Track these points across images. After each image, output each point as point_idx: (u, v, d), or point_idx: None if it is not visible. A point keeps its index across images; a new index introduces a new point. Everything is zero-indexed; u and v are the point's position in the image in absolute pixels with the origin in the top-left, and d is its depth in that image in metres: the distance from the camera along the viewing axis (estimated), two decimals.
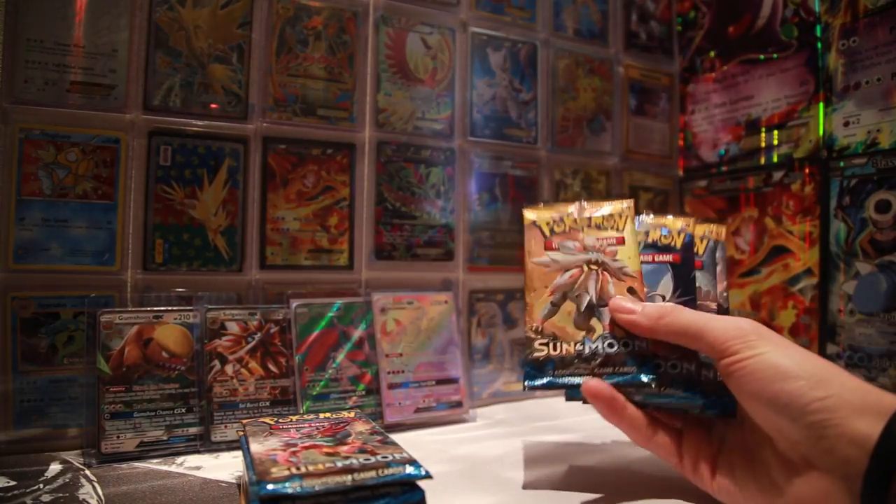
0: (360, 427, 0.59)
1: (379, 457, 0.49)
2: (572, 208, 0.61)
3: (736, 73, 1.02)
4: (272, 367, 0.75)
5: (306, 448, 0.51)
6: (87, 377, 0.68)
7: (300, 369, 0.76)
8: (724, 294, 0.63)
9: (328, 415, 0.64)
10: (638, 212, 0.61)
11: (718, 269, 0.62)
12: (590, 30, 1.07)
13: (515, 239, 0.99)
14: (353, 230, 0.87)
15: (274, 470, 0.46)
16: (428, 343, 0.85)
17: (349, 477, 0.45)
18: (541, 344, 0.56)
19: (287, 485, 0.43)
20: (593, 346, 0.55)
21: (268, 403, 0.74)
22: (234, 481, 0.60)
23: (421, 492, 0.47)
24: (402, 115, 0.91)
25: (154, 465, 0.65)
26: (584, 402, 0.55)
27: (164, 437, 0.68)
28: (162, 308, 0.72)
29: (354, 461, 0.47)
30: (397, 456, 0.49)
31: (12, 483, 0.58)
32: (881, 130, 0.80)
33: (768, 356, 0.45)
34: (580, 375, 0.54)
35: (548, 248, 0.60)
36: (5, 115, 0.69)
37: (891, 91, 0.80)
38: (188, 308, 0.73)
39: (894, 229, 0.78)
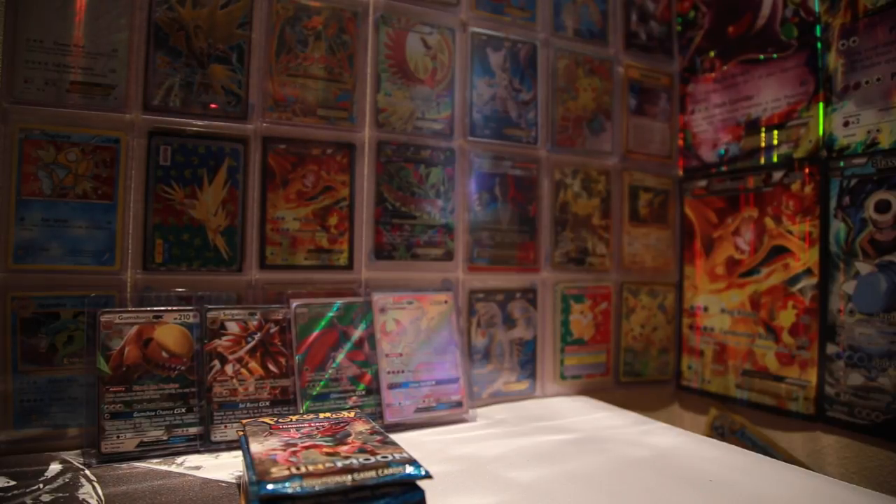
0: (360, 427, 0.59)
1: (379, 457, 0.49)
2: None
3: (736, 73, 1.02)
4: (272, 367, 0.75)
5: (306, 448, 0.51)
6: (87, 377, 0.68)
7: (300, 369, 0.76)
8: None
9: (328, 415, 0.64)
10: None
11: None
12: (590, 30, 1.07)
13: (515, 239, 0.99)
14: (353, 230, 0.87)
15: (274, 470, 0.46)
16: (428, 343, 0.85)
17: (349, 477, 0.45)
18: None
19: (287, 485, 0.43)
20: None
21: (268, 403, 0.74)
22: (234, 481, 0.60)
23: (421, 492, 0.47)
24: (402, 115, 0.91)
25: (154, 465, 0.65)
26: None
27: (164, 437, 0.68)
28: (162, 308, 0.72)
29: (354, 461, 0.47)
30: (397, 456, 0.49)
31: (12, 483, 0.58)
32: (881, 130, 0.80)
33: None
34: None
35: None
36: (5, 115, 0.69)
37: (891, 91, 0.80)
38: (188, 308, 0.73)
39: (894, 229, 0.78)
